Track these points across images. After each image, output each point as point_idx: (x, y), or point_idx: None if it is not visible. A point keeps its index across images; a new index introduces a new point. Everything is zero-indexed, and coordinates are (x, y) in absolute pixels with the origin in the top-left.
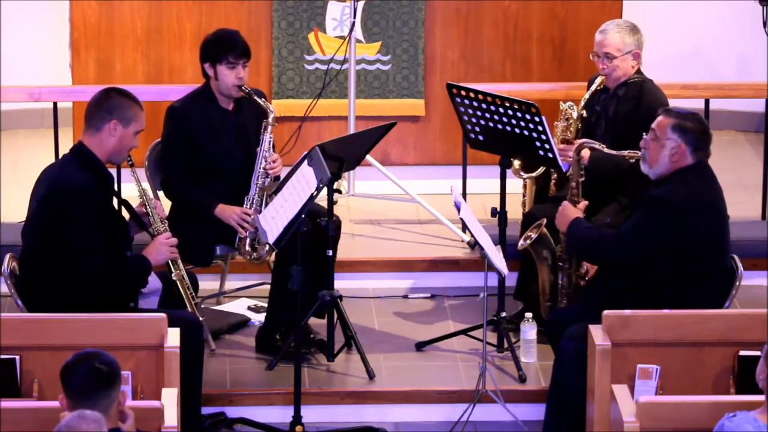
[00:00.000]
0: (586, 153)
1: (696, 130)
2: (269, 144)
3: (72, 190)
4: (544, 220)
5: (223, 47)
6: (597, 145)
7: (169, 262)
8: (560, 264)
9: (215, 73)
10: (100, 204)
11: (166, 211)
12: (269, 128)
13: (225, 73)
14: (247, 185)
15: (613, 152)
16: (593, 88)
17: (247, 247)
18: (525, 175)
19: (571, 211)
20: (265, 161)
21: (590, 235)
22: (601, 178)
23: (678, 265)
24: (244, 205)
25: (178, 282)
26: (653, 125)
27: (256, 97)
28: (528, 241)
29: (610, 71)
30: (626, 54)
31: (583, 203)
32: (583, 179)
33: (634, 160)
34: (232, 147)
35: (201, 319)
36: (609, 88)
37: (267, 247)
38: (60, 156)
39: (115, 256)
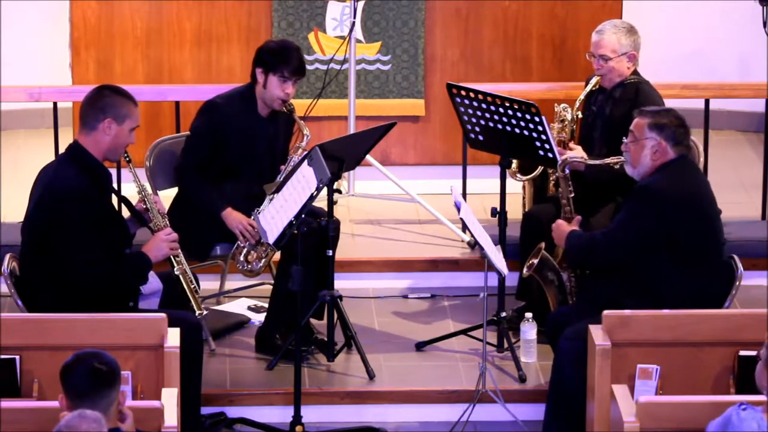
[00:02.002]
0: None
1: (672, 124)
2: (293, 167)
3: (67, 194)
4: (543, 244)
5: (282, 59)
6: (580, 159)
7: (171, 257)
8: (563, 266)
9: (265, 80)
10: (95, 205)
11: (167, 205)
12: (299, 151)
13: (275, 84)
14: (260, 196)
15: (597, 161)
16: (588, 88)
17: (242, 258)
18: (521, 177)
19: (565, 226)
20: None
21: (582, 241)
22: (599, 182)
23: (667, 256)
24: (252, 217)
25: (180, 276)
26: (631, 127)
27: (295, 116)
28: (531, 269)
29: (605, 72)
30: (621, 55)
31: (577, 219)
32: (572, 195)
33: (618, 166)
34: (258, 154)
35: (205, 312)
36: (605, 88)
37: (261, 262)
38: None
39: (114, 254)
